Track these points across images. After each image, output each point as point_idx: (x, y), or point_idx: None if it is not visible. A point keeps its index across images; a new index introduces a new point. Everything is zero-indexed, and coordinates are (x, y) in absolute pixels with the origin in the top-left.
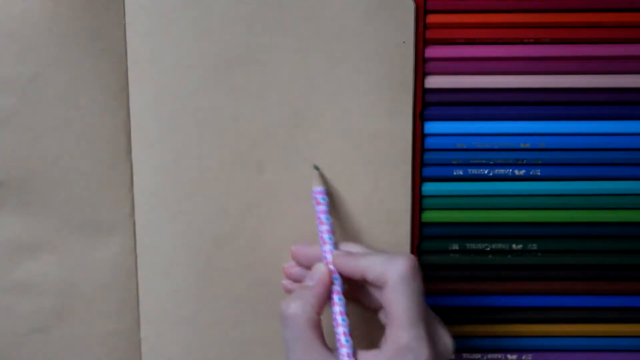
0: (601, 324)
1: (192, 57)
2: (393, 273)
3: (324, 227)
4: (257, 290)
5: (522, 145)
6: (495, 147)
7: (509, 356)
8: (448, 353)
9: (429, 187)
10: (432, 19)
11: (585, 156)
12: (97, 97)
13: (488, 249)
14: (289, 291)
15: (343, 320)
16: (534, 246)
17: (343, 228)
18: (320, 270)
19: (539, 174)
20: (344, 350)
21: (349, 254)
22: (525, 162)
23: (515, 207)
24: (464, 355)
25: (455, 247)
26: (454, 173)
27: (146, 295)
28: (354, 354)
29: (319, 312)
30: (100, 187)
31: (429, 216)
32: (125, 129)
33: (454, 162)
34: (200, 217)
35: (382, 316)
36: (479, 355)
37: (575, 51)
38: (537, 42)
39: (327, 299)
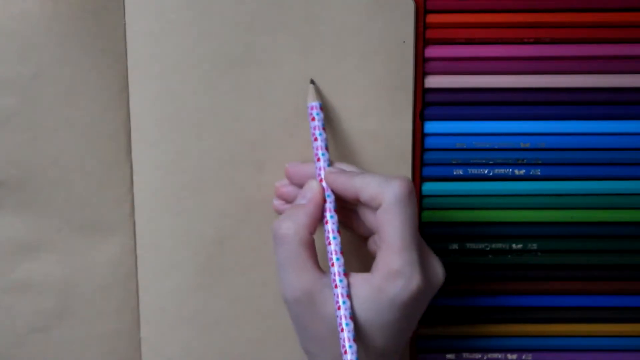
0: (601, 324)
1: (192, 57)
2: (389, 194)
3: (318, 143)
4: (257, 290)
5: (522, 145)
6: (495, 146)
7: (509, 356)
8: (438, 281)
9: (429, 187)
10: (432, 18)
11: (585, 156)
12: (97, 97)
13: (488, 248)
14: (279, 212)
15: (335, 238)
16: (534, 246)
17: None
18: (312, 188)
19: (539, 173)
20: (335, 268)
21: (343, 171)
22: (525, 161)
23: (515, 206)
24: (464, 355)
25: (455, 247)
26: (454, 173)
27: (146, 295)
28: (346, 274)
29: (311, 232)
30: (100, 187)
31: (428, 216)
32: (125, 129)
33: (453, 162)
34: (200, 217)
35: (371, 243)
36: (479, 355)
37: (575, 51)
38: (537, 41)
39: (320, 217)
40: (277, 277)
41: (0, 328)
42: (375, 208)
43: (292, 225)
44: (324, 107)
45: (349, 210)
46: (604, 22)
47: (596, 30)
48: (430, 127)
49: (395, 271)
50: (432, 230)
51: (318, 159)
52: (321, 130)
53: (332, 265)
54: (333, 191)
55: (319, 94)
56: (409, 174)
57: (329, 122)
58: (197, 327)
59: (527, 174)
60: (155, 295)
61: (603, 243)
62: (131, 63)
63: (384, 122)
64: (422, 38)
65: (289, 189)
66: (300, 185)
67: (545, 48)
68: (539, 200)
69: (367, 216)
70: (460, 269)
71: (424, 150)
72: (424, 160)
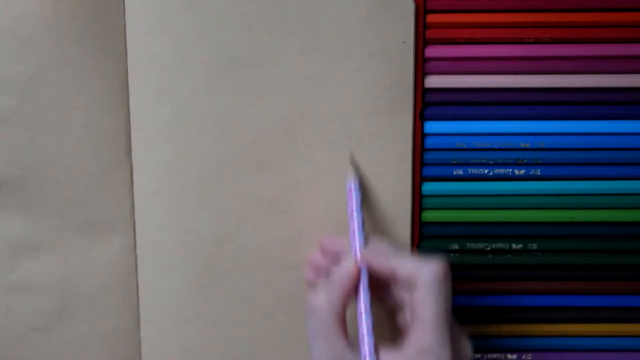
0: (601, 324)
1: (192, 57)
2: (426, 274)
3: (355, 224)
4: (257, 290)
5: (522, 145)
6: (495, 146)
7: (508, 356)
8: (467, 358)
9: (429, 187)
10: (432, 18)
11: (585, 156)
12: (97, 97)
13: (488, 248)
14: (310, 282)
15: (367, 316)
16: (534, 246)
17: (343, 227)
18: (349, 265)
19: (539, 173)
20: (366, 346)
21: (380, 252)
22: (525, 161)
23: (515, 206)
24: None
25: (455, 246)
26: (454, 173)
27: (146, 295)
28: (376, 351)
29: (344, 306)
30: (100, 187)
31: (429, 216)
32: (125, 129)
33: (454, 162)
34: (200, 217)
35: (401, 318)
36: (478, 355)
37: (575, 51)
38: (537, 41)
39: (353, 294)
40: (307, 346)
41: (0, 328)
42: (409, 287)
43: (327, 297)
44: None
45: (382, 285)
46: (604, 22)
47: (596, 30)
48: (430, 127)
49: (427, 348)
50: (432, 230)
51: (354, 237)
52: (359, 211)
53: (363, 342)
54: (369, 270)
55: (358, 172)
56: (409, 173)
57: (330, 122)
58: (197, 327)
59: (527, 174)
60: (155, 295)
61: (603, 243)
62: (131, 63)
63: (384, 122)
64: (422, 38)
65: (322, 261)
66: (333, 259)
67: (545, 48)
68: (538, 200)
69: (400, 294)
70: (460, 268)
71: (424, 150)
72: (424, 160)
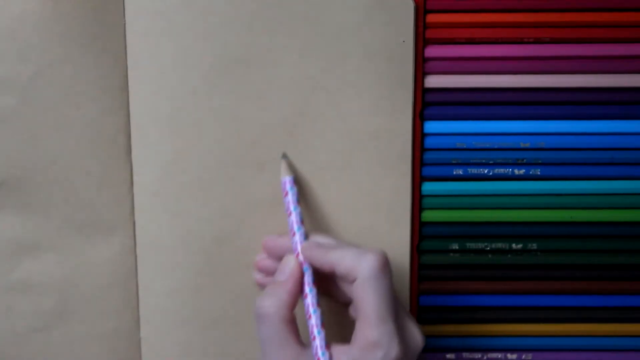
0: (601, 324)
1: (192, 57)
2: (363, 269)
3: (293, 218)
4: (257, 290)
5: (522, 145)
6: (495, 146)
7: (509, 355)
8: (418, 348)
9: (428, 187)
10: (431, 18)
11: (585, 156)
12: (97, 97)
13: (488, 248)
14: (262, 285)
15: (315, 311)
16: (534, 246)
17: (343, 227)
18: (289, 263)
19: (538, 173)
20: (317, 342)
21: (319, 245)
22: (525, 161)
23: (515, 206)
24: (464, 354)
25: (455, 246)
26: (454, 172)
27: (146, 295)
28: (327, 347)
29: (292, 309)
30: (100, 187)
31: (428, 216)
32: (125, 129)
33: (453, 162)
34: (200, 217)
35: (352, 310)
36: (479, 355)
37: (575, 50)
38: (537, 41)
39: (300, 292)
40: (261, 355)
41: (0, 328)
42: (351, 281)
43: (273, 303)
44: (297, 180)
45: (328, 278)
46: (604, 21)
47: (596, 30)
48: (430, 126)
49: (373, 343)
50: (432, 230)
51: (294, 234)
52: (296, 204)
53: (314, 339)
54: (310, 265)
55: (291, 167)
56: (408, 173)
57: (330, 122)
58: (197, 327)
59: (527, 174)
60: (155, 295)
61: (603, 243)
62: (131, 63)
63: (384, 122)
64: (422, 38)
65: (268, 263)
66: (279, 259)
67: (545, 48)
68: (538, 200)
69: (344, 287)
70: (460, 268)
71: (424, 150)
72: (424, 160)
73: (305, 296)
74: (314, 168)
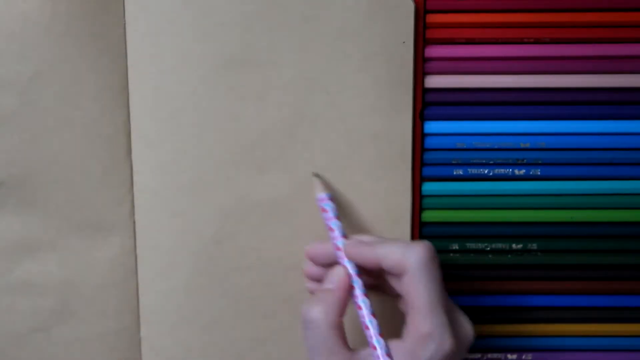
0: (601, 324)
1: (192, 57)
2: (411, 261)
3: (335, 234)
4: (257, 290)
5: (522, 145)
6: (495, 146)
7: (509, 356)
8: (469, 340)
9: (429, 187)
10: (431, 18)
11: (585, 156)
12: (97, 97)
13: (488, 248)
14: (313, 292)
15: (371, 322)
16: (534, 246)
17: (343, 227)
18: (338, 274)
19: (539, 173)
20: (378, 352)
21: (362, 242)
22: (525, 161)
23: (515, 206)
24: None
25: (455, 246)
26: (454, 173)
27: (146, 295)
28: (387, 347)
29: (339, 315)
30: (100, 187)
31: (429, 216)
32: (125, 129)
33: (454, 162)
34: (200, 217)
35: (401, 304)
36: (478, 355)
37: (575, 51)
38: (537, 41)
39: (348, 300)
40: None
41: (0, 328)
42: (398, 275)
43: (322, 309)
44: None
45: (376, 274)
46: (604, 22)
47: (596, 30)
48: (430, 127)
49: (426, 335)
50: (432, 230)
51: (338, 249)
52: (335, 220)
53: (374, 348)
54: (356, 264)
55: (326, 185)
56: (408, 173)
57: (330, 123)
58: (197, 327)
59: (527, 174)
60: (155, 295)
61: (603, 243)
62: (131, 63)
63: (384, 122)
64: (422, 38)
65: (315, 270)
66: (323, 265)
67: (545, 48)
68: (539, 200)
69: (392, 282)
70: (460, 268)
71: (424, 150)
72: (424, 160)
73: (359, 308)
74: (314, 168)
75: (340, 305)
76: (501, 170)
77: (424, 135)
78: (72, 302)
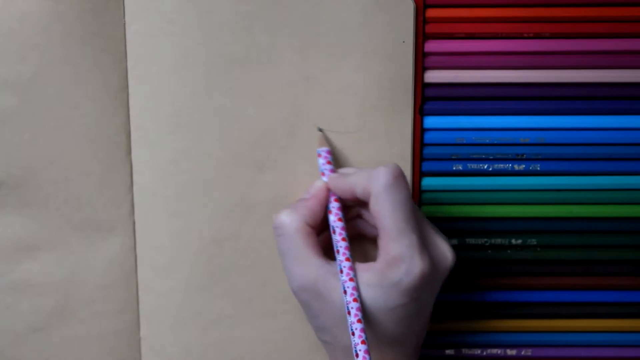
0: (600, 319)
1: (192, 57)
2: (376, 184)
3: (324, 166)
4: (257, 290)
5: (521, 140)
6: (495, 141)
7: (508, 351)
8: (447, 264)
9: (428, 182)
10: (431, 13)
11: (585, 151)
12: (97, 97)
13: (487, 244)
14: None
15: (338, 225)
16: (534, 241)
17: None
18: (316, 185)
19: (538, 168)
20: (340, 255)
21: (342, 175)
22: (524, 157)
23: (515, 202)
24: (464, 350)
25: (455, 242)
26: (454, 168)
27: (146, 295)
28: (351, 267)
29: (309, 223)
30: (100, 187)
31: (428, 211)
32: (125, 129)
33: (453, 157)
34: (200, 217)
35: (379, 241)
36: (478, 351)
37: (575, 46)
38: (537, 36)
39: (321, 213)
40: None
41: (0, 328)
42: (368, 201)
43: (289, 214)
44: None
45: (355, 218)
46: (603, 16)
47: (596, 25)
48: (430, 122)
49: (395, 256)
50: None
51: (322, 174)
52: (327, 164)
53: (337, 252)
54: (337, 196)
55: (327, 140)
56: (408, 173)
57: (330, 122)
58: (197, 327)
59: (527, 169)
60: (155, 295)
61: (602, 238)
62: (131, 63)
63: (383, 122)
64: (422, 33)
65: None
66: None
67: (545, 43)
68: (538, 195)
69: (369, 215)
70: (460, 264)
71: (423, 145)
72: (424, 155)
73: (329, 212)
74: (314, 168)
75: (311, 213)
76: (501, 166)
77: (423, 131)
78: (72, 302)
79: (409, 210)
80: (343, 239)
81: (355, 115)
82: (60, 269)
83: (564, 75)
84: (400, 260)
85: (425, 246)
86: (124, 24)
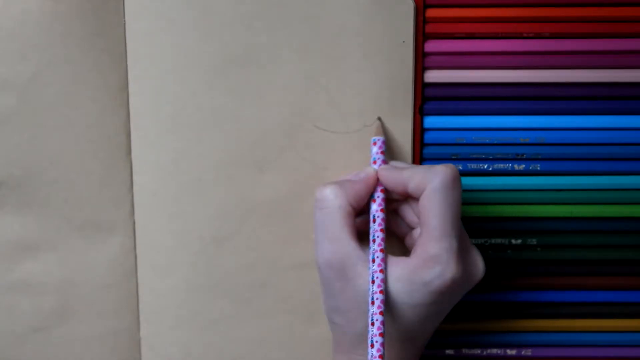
0: (601, 319)
1: (192, 57)
2: (433, 180)
3: (377, 155)
4: (257, 290)
5: (521, 140)
6: (495, 141)
7: (508, 351)
8: (478, 276)
9: None
10: (431, 13)
11: (585, 151)
12: (97, 97)
13: (487, 244)
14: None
15: (379, 216)
16: (534, 241)
17: None
18: (366, 171)
19: (538, 168)
20: (376, 245)
21: (395, 167)
22: (525, 156)
23: (515, 202)
24: (464, 350)
25: None
26: None
27: (146, 295)
28: (384, 258)
29: (352, 204)
30: (100, 187)
31: None
32: (125, 129)
33: (453, 157)
34: (200, 217)
35: (409, 239)
36: (478, 351)
37: (575, 45)
38: (537, 36)
39: (366, 199)
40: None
41: (0, 328)
42: (419, 197)
43: (335, 190)
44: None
45: (390, 212)
46: (604, 16)
47: (596, 24)
48: (430, 121)
49: (433, 256)
50: None
51: (374, 162)
52: (380, 154)
53: (374, 241)
54: (385, 187)
55: (384, 130)
56: None
57: (330, 122)
58: (197, 327)
59: (527, 169)
60: (155, 295)
61: (603, 238)
62: (131, 63)
63: (383, 122)
64: (422, 32)
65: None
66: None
67: (545, 43)
68: (538, 195)
69: (408, 212)
70: None
71: (423, 145)
72: (424, 155)
73: (373, 201)
74: (314, 168)
75: (356, 196)
76: (501, 166)
77: (423, 130)
78: (72, 302)
79: (456, 215)
80: (382, 230)
81: (355, 115)
82: (60, 269)
83: (564, 75)
84: (436, 261)
85: (461, 252)
86: (124, 24)
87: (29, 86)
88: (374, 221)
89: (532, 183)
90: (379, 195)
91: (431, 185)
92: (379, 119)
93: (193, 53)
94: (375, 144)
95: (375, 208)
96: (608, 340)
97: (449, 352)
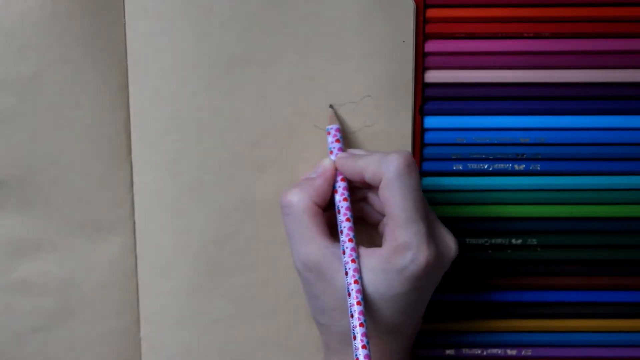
0: (600, 319)
1: (192, 57)
2: (388, 169)
3: (333, 144)
4: (257, 290)
5: (521, 140)
6: (495, 141)
7: (508, 351)
8: (450, 254)
9: (428, 182)
10: (431, 13)
11: (585, 151)
12: (97, 97)
13: (487, 244)
14: None
15: (343, 205)
16: (534, 241)
17: None
18: (324, 164)
19: (538, 168)
20: (344, 236)
21: (352, 155)
22: (525, 156)
23: (515, 202)
24: (464, 350)
25: None
26: (454, 168)
27: (146, 295)
28: (355, 249)
29: (317, 202)
30: (100, 187)
31: None
32: (125, 129)
33: (453, 157)
34: (200, 217)
35: (381, 226)
36: (478, 351)
37: (574, 46)
38: (537, 36)
39: (329, 192)
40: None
41: (0, 328)
42: (378, 186)
43: (296, 193)
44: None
45: (360, 201)
46: (603, 16)
47: (596, 24)
48: (430, 121)
49: (402, 244)
50: None
51: (331, 152)
52: (336, 142)
53: (341, 232)
54: (346, 177)
55: (337, 118)
56: None
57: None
58: (197, 327)
59: (527, 169)
60: (155, 295)
61: (603, 238)
62: (131, 63)
63: (383, 122)
64: (422, 32)
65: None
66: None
67: (545, 43)
68: (538, 195)
69: (376, 200)
70: (460, 264)
71: (423, 145)
72: (424, 155)
73: (335, 192)
74: (314, 168)
75: (318, 193)
76: (501, 166)
77: (423, 130)
78: (72, 302)
79: (418, 199)
80: (347, 219)
81: (355, 115)
82: (61, 269)
83: (564, 75)
84: (407, 247)
85: (430, 235)
86: (124, 24)
87: (28, 86)
88: (339, 212)
89: (532, 183)
90: (340, 185)
91: (386, 176)
92: (331, 106)
93: (193, 53)
94: (329, 133)
95: (338, 199)
96: (608, 340)
97: (449, 352)
